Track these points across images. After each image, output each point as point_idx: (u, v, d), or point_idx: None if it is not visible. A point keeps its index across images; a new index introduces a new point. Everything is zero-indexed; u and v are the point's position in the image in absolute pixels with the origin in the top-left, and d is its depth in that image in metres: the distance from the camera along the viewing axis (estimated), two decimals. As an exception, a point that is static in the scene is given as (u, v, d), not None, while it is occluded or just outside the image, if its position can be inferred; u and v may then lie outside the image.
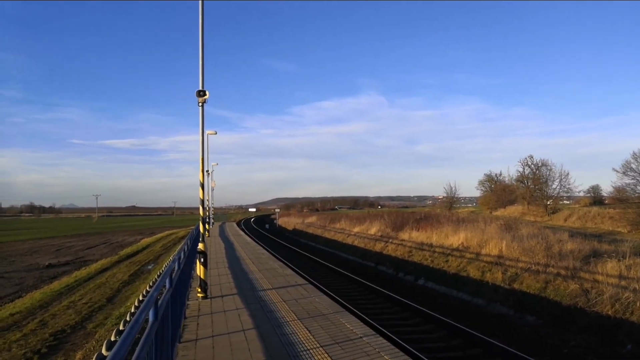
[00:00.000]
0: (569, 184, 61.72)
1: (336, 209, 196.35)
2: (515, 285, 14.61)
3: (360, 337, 7.21)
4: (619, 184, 42.90)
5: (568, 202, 74.46)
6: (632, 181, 40.58)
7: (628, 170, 40.55)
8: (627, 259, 13.16)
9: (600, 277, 12.53)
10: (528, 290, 13.96)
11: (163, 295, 5.30)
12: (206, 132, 26.00)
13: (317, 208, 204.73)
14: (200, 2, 10.81)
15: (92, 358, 9.33)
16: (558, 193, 62.97)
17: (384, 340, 7.11)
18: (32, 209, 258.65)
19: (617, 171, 41.76)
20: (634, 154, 40.09)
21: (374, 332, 7.58)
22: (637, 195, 40.32)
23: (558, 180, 62.17)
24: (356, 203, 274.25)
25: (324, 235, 42.56)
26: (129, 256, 38.76)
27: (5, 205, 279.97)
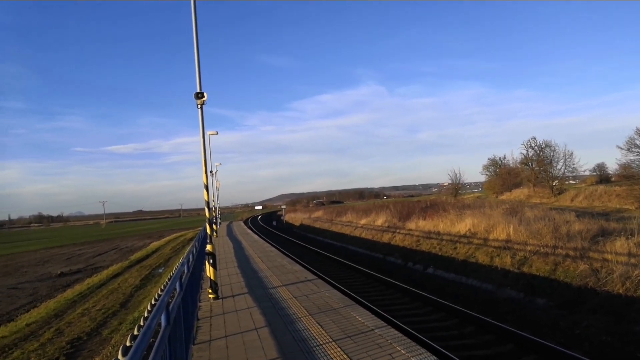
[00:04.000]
0: (573, 164, 61.53)
1: (341, 202, 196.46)
2: (525, 269, 14.62)
3: (372, 330, 7.27)
4: (624, 161, 42.67)
5: (574, 182, 74.12)
6: (637, 157, 40.32)
7: (632, 146, 40.29)
8: (635, 236, 13.12)
9: (609, 256, 12.52)
10: (537, 273, 13.97)
11: (174, 299, 5.36)
12: (207, 133, 26.04)
13: (323, 202, 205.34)
14: (192, 5, 10.84)
15: (109, 364, 9.45)
16: (563, 173, 62.76)
17: (396, 332, 7.16)
18: (40, 218, 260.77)
19: (621, 148, 41.51)
20: (638, 129, 39.79)
21: (385, 324, 7.63)
22: (643, 171, 40.09)
23: (562, 160, 61.99)
24: (361, 195, 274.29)
25: (331, 229, 42.64)
26: (139, 260, 39.02)
27: (14, 216, 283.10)
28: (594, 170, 73.81)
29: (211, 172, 36.71)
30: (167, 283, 19.98)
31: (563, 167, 62.14)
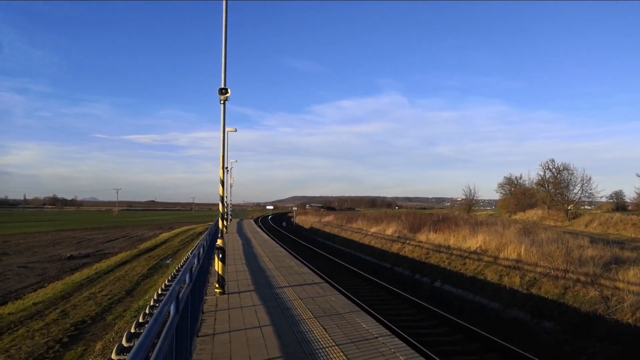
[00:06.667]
0: (590, 189, 60.49)
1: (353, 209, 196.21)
2: (533, 291, 14.45)
3: (376, 337, 7.24)
4: (643, 190, 41.95)
5: (590, 208, 73.06)
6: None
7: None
8: (649, 266, 12.91)
9: (621, 285, 12.32)
10: (546, 296, 13.80)
11: (184, 289, 5.42)
12: (227, 129, 26.20)
13: (334, 207, 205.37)
14: (224, 4, 10.94)
15: (113, 349, 9.53)
16: (579, 198, 61.81)
17: (400, 341, 7.13)
18: (55, 201, 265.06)
19: (641, 177, 40.85)
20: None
21: (389, 333, 7.61)
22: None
23: (580, 184, 61.02)
24: (373, 203, 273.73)
25: (340, 235, 42.57)
26: (148, 250, 39.32)
27: (29, 196, 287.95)
28: (611, 197, 72.83)
29: (227, 168, 36.95)
30: (175, 274, 20.14)
31: (580, 192, 61.22)
